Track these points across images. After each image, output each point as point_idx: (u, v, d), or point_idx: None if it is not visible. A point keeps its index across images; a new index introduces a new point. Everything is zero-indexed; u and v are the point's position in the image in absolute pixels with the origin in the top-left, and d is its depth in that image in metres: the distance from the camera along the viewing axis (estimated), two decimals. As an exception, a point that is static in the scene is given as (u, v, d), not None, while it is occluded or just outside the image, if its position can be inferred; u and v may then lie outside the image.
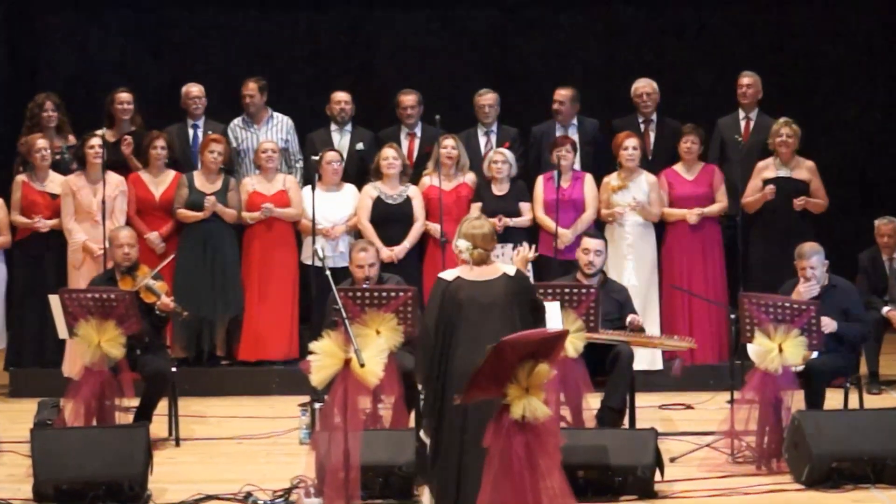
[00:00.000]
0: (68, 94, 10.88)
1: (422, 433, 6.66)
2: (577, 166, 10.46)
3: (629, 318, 8.57)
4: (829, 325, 8.17)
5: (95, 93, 11.00)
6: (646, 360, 9.91)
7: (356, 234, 10.28)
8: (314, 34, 12.53)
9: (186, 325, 10.13)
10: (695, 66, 12.33)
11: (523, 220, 10.24)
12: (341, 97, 10.83)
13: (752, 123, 10.76)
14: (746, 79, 10.78)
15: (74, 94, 11.20)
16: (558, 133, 10.68)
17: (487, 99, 10.78)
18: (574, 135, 10.67)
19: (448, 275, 6.63)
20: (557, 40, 12.50)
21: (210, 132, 10.60)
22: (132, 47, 12.35)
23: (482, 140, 10.83)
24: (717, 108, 11.02)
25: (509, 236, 10.13)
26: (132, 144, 10.41)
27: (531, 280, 6.88)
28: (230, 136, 10.84)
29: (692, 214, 10.28)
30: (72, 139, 10.52)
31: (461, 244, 6.62)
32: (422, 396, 6.80)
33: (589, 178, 10.36)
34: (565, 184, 10.23)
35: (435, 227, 10.11)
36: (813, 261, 8.52)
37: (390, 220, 10.18)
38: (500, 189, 10.33)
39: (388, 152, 10.29)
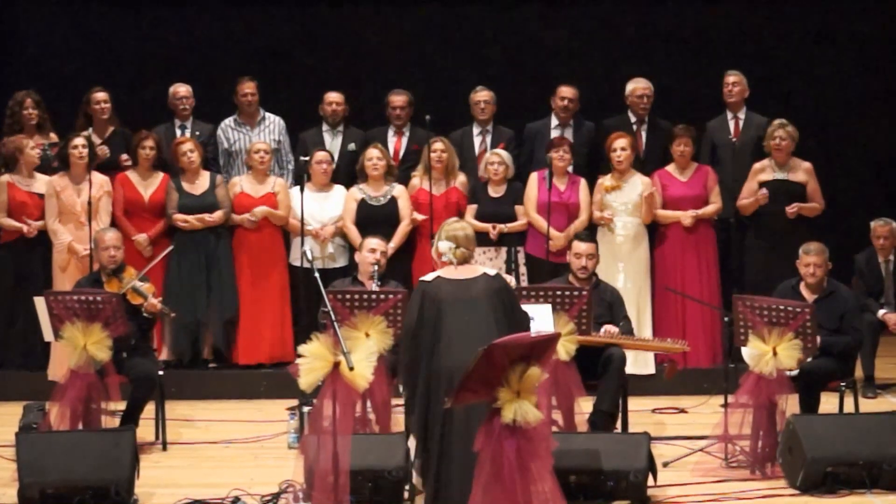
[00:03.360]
0: (49, 93, 10.78)
1: (410, 438, 6.62)
2: (570, 168, 10.39)
3: (603, 328, 8.48)
4: None
5: (77, 92, 10.90)
6: (639, 364, 9.85)
7: (344, 235, 10.21)
8: (304, 31, 12.44)
9: (183, 329, 10.07)
10: (686, 66, 12.29)
11: (518, 224, 10.17)
12: (333, 98, 10.76)
13: (740, 123, 10.71)
14: (732, 77, 10.72)
15: (56, 93, 11.09)
16: (553, 132, 10.62)
17: (483, 96, 10.71)
18: (570, 135, 10.61)
19: (428, 276, 6.66)
20: (553, 39, 12.45)
21: (198, 133, 10.53)
22: (118, 45, 12.25)
23: (477, 140, 10.77)
24: (707, 110, 10.97)
25: (504, 240, 10.11)
26: (130, 160, 10.31)
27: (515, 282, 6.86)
28: (221, 137, 10.79)
29: (686, 216, 10.21)
30: (53, 137, 10.41)
31: (443, 246, 6.66)
32: (403, 397, 6.76)
33: (584, 184, 10.29)
34: (561, 186, 10.17)
35: (422, 218, 10.04)
36: (818, 259, 8.48)
37: (375, 221, 10.03)
38: (496, 191, 10.25)
39: (372, 153, 10.23)
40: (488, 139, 10.73)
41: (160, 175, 10.29)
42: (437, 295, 6.49)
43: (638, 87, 10.75)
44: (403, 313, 8.17)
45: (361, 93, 11.52)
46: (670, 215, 10.28)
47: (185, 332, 10.21)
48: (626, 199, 10.22)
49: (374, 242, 8.85)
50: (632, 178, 10.25)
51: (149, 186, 10.24)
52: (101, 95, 10.49)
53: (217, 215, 10.18)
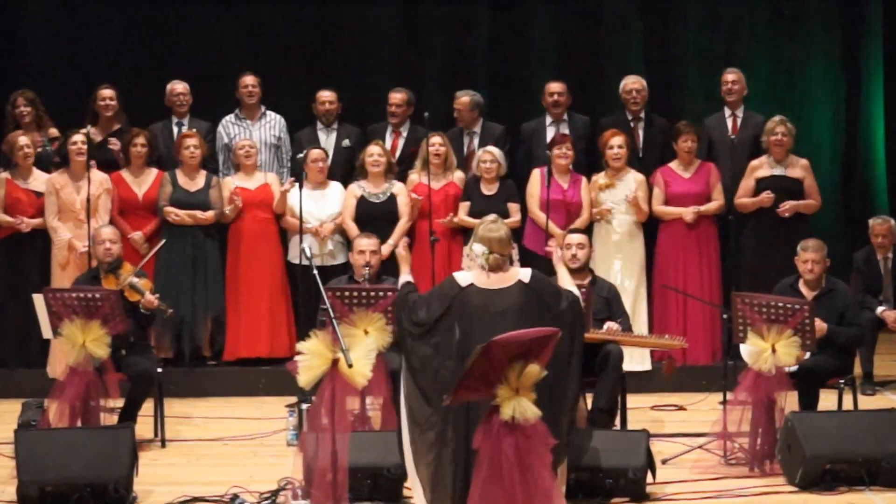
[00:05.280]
0: (54, 91, 10.76)
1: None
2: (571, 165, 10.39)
3: (605, 325, 8.47)
4: (819, 328, 8.10)
5: (80, 89, 10.88)
6: (635, 360, 9.85)
7: (343, 232, 10.20)
8: (302, 29, 12.42)
9: (167, 325, 10.05)
10: (682, 62, 12.27)
11: (511, 222, 10.15)
12: (326, 97, 10.74)
13: (738, 121, 10.68)
14: (731, 75, 10.70)
15: (60, 91, 11.08)
16: (549, 129, 10.62)
17: (457, 104, 10.68)
18: (565, 131, 10.60)
19: (462, 279, 6.53)
20: (544, 36, 12.43)
21: (195, 130, 10.51)
22: (117, 42, 12.23)
23: (465, 140, 10.77)
24: (704, 106, 10.97)
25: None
26: (118, 144, 10.31)
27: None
28: (222, 133, 10.77)
29: (689, 213, 10.20)
30: (53, 132, 10.41)
31: (477, 248, 6.53)
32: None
33: (585, 182, 10.27)
34: (563, 184, 10.17)
35: (417, 198, 10.07)
36: (816, 255, 8.48)
37: (375, 218, 10.04)
38: (489, 189, 10.24)
39: (373, 149, 10.22)
40: (476, 140, 10.71)
41: (154, 172, 10.27)
42: (467, 305, 6.41)
43: (628, 82, 10.74)
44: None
45: (360, 92, 11.50)
46: (673, 212, 10.28)
47: (168, 329, 10.16)
48: (620, 196, 10.21)
49: (363, 244, 8.82)
50: (626, 175, 10.25)
51: (143, 184, 10.23)
52: (107, 92, 10.49)
53: (208, 215, 10.17)
